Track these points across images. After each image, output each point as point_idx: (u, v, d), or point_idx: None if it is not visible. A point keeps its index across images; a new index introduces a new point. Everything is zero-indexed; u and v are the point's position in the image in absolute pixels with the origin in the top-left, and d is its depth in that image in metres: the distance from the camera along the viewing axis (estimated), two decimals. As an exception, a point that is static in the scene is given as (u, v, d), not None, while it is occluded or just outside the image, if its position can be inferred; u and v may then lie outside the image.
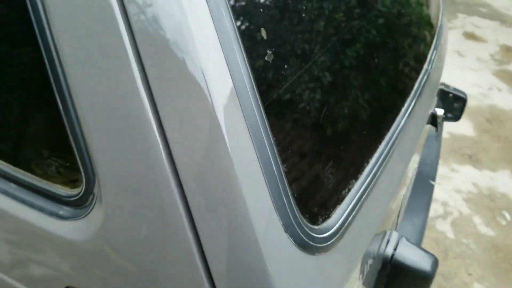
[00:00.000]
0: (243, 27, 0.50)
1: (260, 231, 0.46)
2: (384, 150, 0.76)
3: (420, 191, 1.31)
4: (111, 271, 0.53)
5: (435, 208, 2.27)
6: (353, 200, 0.62)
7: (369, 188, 0.67)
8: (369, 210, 0.68)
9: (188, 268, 0.49)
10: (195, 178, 0.46)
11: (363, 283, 0.77)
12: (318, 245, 0.52)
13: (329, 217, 0.56)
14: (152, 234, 0.49)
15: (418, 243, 1.10)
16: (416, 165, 1.29)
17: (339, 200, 0.60)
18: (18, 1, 0.50)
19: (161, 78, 0.45)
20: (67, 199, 0.55)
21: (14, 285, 0.65)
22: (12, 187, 0.58)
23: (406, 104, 0.88)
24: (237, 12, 0.50)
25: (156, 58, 0.45)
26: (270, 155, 0.47)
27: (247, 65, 0.48)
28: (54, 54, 0.49)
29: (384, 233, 0.80)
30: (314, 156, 0.58)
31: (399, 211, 1.02)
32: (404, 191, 1.00)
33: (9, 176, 0.59)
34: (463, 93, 1.35)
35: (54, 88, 0.51)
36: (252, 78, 0.48)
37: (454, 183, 2.45)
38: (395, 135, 0.81)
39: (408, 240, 0.81)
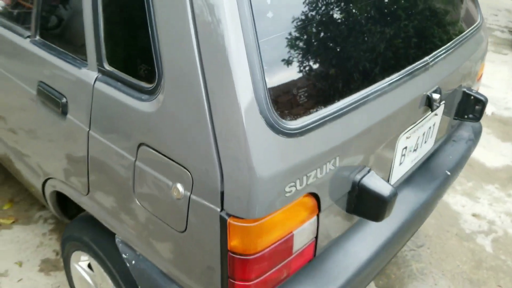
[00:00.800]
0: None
1: (245, 112, 0.81)
2: (380, 80, 1.04)
3: (431, 174, 1.53)
4: (165, 130, 0.92)
5: (479, 224, 2.35)
6: (328, 112, 0.93)
7: (345, 110, 0.97)
8: (345, 126, 0.97)
9: (203, 140, 0.85)
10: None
11: (336, 203, 1.06)
12: (283, 130, 0.85)
13: (298, 115, 0.88)
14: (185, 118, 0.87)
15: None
16: (431, 145, 1.50)
17: (314, 107, 0.92)
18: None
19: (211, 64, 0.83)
20: (146, 89, 0.96)
21: (107, 144, 1.06)
22: (118, 85, 1.01)
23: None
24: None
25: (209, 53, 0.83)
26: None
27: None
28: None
29: (361, 166, 1.09)
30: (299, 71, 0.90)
31: (393, 161, 1.27)
32: (396, 137, 1.21)
33: (115, 76, 1.01)
34: (484, 96, 1.55)
35: (152, 24, 0.91)
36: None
37: (507, 207, 2.49)
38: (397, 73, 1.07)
39: (376, 174, 1.09)
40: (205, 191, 0.88)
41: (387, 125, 1.15)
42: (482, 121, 3.50)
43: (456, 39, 1.46)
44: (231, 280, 0.93)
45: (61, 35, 1.23)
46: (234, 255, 0.89)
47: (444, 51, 1.37)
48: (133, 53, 1.02)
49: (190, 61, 0.85)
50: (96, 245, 1.29)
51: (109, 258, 1.25)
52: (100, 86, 1.05)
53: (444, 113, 1.50)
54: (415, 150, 1.40)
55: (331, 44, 1.01)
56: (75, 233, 1.39)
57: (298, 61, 0.94)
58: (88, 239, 1.32)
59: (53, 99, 1.18)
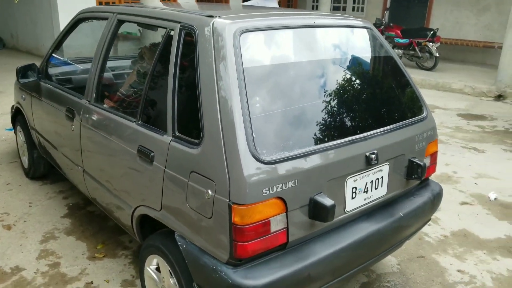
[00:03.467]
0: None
1: (241, 151, 1.68)
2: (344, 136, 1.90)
3: (387, 213, 2.24)
4: (204, 163, 1.79)
5: (462, 277, 2.86)
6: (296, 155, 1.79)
7: (303, 154, 1.82)
8: (302, 163, 1.80)
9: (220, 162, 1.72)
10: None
11: (300, 209, 1.84)
12: (261, 160, 1.70)
13: (271, 154, 1.74)
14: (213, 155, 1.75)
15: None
16: (384, 192, 2.24)
17: (282, 151, 1.78)
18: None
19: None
20: (196, 143, 1.85)
21: (174, 175, 1.99)
22: (182, 142, 1.92)
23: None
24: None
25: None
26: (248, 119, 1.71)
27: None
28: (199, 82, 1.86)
29: (318, 191, 1.88)
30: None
31: (345, 194, 2.04)
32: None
33: (180, 137, 1.95)
34: (423, 162, 2.30)
35: (199, 107, 1.85)
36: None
37: (489, 267, 2.98)
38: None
39: (324, 195, 1.87)
40: (222, 192, 1.72)
41: (335, 168, 1.95)
42: (483, 203, 4.27)
43: (395, 123, 2.28)
44: (234, 242, 1.71)
45: (153, 119, 2.22)
46: (236, 226, 1.69)
47: (383, 129, 2.19)
48: (190, 125, 1.95)
49: (215, 127, 1.77)
50: (162, 246, 2.11)
51: (170, 252, 2.06)
52: (172, 144, 1.99)
53: (393, 171, 2.25)
54: (365, 191, 2.14)
55: (298, 116, 1.91)
56: (150, 242, 2.23)
57: (276, 126, 1.84)
58: (158, 243, 2.15)
59: (146, 154, 2.12)
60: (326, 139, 1.95)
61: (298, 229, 1.87)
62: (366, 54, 2.53)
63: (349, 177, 2.03)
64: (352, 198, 2.08)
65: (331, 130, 2.01)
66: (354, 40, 2.51)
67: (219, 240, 1.77)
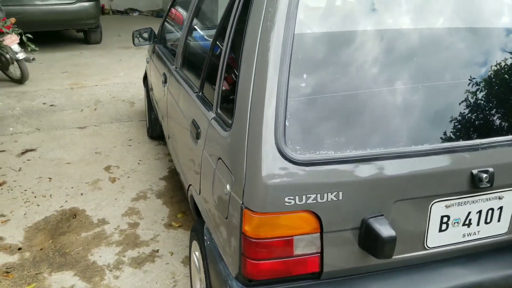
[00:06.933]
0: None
1: (264, 143, 1.25)
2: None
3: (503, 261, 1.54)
4: (228, 150, 1.43)
5: None
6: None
7: (351, 158, 1.29)
8: (351, 171, 1.28)
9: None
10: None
11: (344, 232, 1.33)
12: (289, 158, 1.24)
13: (306, 151, 1.26)
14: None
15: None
16: (504, 230, 1.53)
17: (322, 150, 1.28)
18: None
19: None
20: (228, 122, 1.49)
21: (208, 160, 1.66)
22: (219, 121, 1.59)
23: None
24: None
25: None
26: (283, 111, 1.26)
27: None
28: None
29: (377, 212, 1.34)
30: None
31: (427, 224, 1.43)
32: None
33: (220, 116, 1.61)
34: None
35: (240, 58, 1.48)
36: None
37: None
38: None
39: (385, 220, 1.32)
40: (237, 190, 1.34)
41: (410, 183, 1.36)
42: None
43: None
44: (244, 256, 1.33)
45: (208, 91, 1.92)
46: (246, 237, 1.30)
47: (508, 139, 1.47)
48: (228, 101, 1.60)
49: (245, 106, 1.37)
50: (200, 233, 1.85)
51: (201, 244, 1.79)
52: (212, 122, 1.67)
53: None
54: (467, 225, 1.49)
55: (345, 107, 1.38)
56: (194, 226, 1.99)
57: (323, 115, 1.35)
58: (197, 230, 1.89)
59: (195, 129, 1.86)
60: (399, 141, 1.37)
61: (341, 258, 1.39)
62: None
63: (437, 200, 1.42)
64: (441, 230, 1.47)
65: (411, 129, 1.41)
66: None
67: (231, 248, 1.42)
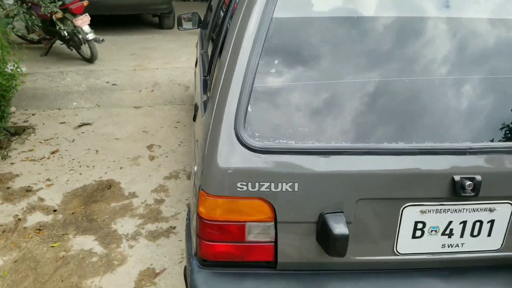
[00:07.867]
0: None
1: (224, 127, 1.26)
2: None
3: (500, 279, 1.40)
4: (198, 129, 1.47)
5: None
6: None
7: (312, 150, 1.24)
8: (309, 162, 1.24)
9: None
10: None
11: (300, 224, 1.29)
12: (246, 144, 1.23)
13: (265, 139, 1.24)
14: None
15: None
16: (496, 247, 1.39)
17: (282, 139, 1.25)
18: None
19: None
20: (208, 106, 1.53)
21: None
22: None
23: None
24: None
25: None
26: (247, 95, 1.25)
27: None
28: None
29: (337, 208, 1.28)
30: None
31: (397, 229, 1.33)
32: None
33: None
34: None
35: (223, 40, 1.50)
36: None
37: None
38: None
39: (343, 218, 1.26)
40: (199, 170, 1.37)
41: (377, 183, 1.28)
42: None
43: None
44: (198, 236, 1.35)
45: (209, 76, 1.94)
46: (200, 218, 1.33)
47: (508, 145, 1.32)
48: (213, 83, 1.61)
49: (216, 87, 1.38)
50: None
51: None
52: (202, 105, 1.70)
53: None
54: (447, 235, 1.37)
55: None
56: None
57: (291, 102, 1.32)
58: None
59: (194, 112, 1.91)
60: (369, 138, 1.29)
61: (297, 250, 1.36)
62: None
63: (409, 204, 1.33)
64: (415, 237, 1.37)
65: (385, 125, 1.32)
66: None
67: (193, 228, 1.45)
